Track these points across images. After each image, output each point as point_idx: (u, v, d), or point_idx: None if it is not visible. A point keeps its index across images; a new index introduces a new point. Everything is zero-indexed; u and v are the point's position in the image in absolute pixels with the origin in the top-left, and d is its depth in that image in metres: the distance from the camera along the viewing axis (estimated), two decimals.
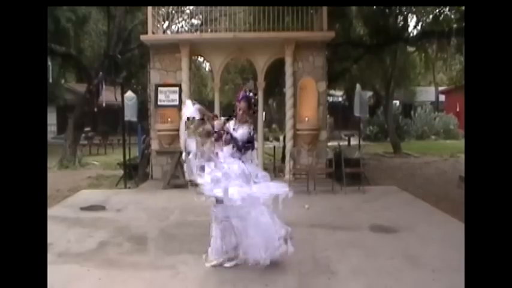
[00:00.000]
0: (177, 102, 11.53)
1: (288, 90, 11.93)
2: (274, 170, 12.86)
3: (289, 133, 11.91)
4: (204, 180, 4.96)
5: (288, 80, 11.86)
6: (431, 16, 17.68)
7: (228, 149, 5.18)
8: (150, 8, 12.22)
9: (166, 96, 11.75)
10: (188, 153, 5.16)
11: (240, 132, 5.19)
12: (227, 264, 5.12)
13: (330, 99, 25.53)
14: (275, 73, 13.67)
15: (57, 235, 6.51)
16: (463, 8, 12.97)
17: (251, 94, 5.37)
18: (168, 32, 15.20)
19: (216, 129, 5.16)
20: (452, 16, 16.29)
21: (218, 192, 4.84)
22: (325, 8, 11.91)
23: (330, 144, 13.46)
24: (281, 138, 16.35)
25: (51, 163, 15.01)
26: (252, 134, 5.31)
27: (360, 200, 9.11)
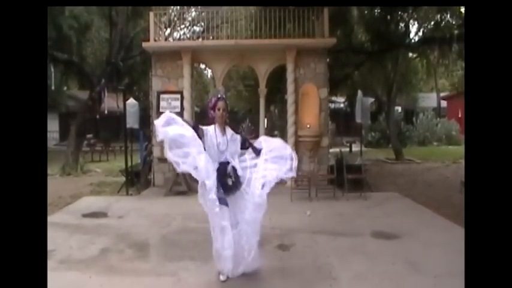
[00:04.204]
0: (179, 109, 11.56)
1: (290, 97, 11.94)
2: None
3: (290, 140, 11.89)
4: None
5: (290, 87, 11.89)
6: (432, 22, 17.76)
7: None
8: (152, 15, 12.28)
9: (168, 103, 11.79)
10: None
11: (230, 134, 5.13)
12: (221, 278, 5.03)
13: (332, 105, 25.57)
14: (277, 80, 13.72)
15: (59, 242, 6.54)
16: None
17: (223, 96, 5.37)
18: (170, 39, 15.23)
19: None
20: (454, 22, 16.35)
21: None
22: (326, 15, 11.96)
23: (331, 150, 13.46)
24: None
25: (54, 170, 15.07)
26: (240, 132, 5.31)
27: (362, 206, 9.11)
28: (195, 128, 5.02)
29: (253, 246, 5.00)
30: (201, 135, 4.99)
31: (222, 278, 5.00)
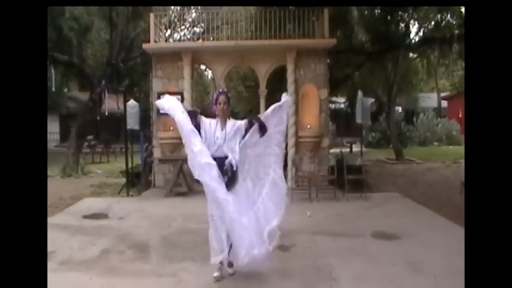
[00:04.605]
0: None
1: (290, 98, 11.91)
2: None
3: (291, 140, 11.89)
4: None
5: (290, 88, 11.87)
6: (433, 22, 17.77)
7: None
8: (152, 16, 12.28)
9: None
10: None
11: (231, 127, 5.07)
12: (229, 271, 5.08)
13: (332, 106, 25.58)
14: (277, 80, 13.71)
15: (59, 243, 6.55)
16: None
17: (225, 90, 5.36)
18: (170, 40, 15.30)
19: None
20: (454, 22, 16.36)
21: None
22: (326, 15, 11.97)
23: (332, 151, 13.46)
24: (283, 145, 16.30)
25: (54, 171, 15.09)
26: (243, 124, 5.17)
27: (362, 207, 9.11)
28: (193, 115, 5.00)
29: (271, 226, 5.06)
30: (198, 121, 4.97)
31: (230, 271, 5.04)
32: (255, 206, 5.05)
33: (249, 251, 4.80)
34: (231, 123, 5.09)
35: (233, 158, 4.97)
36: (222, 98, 5.08)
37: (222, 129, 5.02)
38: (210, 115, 5.18)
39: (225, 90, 5.36)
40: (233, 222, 4.74)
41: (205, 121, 5.04)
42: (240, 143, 5.07)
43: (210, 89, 31.76)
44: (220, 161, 4.90)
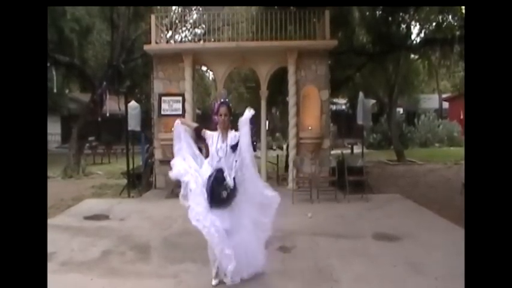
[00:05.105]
0: (180, 112, 11.58)
1: (291, 99, 11.94)
2: (278, 178, 12.86)
3: (292, 142, 11.91)
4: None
5: (291, 89, 11.88)
6: (434, 23, 17.74)
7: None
8: (153, 18, 12.30)
9: (170, 106, 11.81)
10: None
11: (231, 139, 5.00)
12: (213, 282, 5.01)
13: (333, 107, 25.52)
14: (278, 82, 13.71)
15: (60, 244, 6.55)
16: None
17: (227, 100, 5.33)
18: (171, 41, 15.24)
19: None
20: (455, 23, 16.33)
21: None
22: (327, 16, 11.96)
23: (333, 152, 13.44)
24: (284, 146, 16.32)
25: (55, 172, 15.10)
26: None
27: (363, 208, 9.10)
28: (198, 130, 5.11)
29: (261, 249, 5.10)
30: (204, 136, 5.04)
31: (227, 281, 4.97)
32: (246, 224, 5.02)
33: (236, 273, 4.86)
34: (231, 135, 5.04)
35: (229, 174, 4.92)
36: (223, 109, 5.03)
37: (223, 141, 5.00)
38: (212, 125, 5.20)
39: (227, 100, 5.33)
40: (224, 242, 4.77)
41: (208, 135, 5.06)
42: (236, 158, 4.98)
43: (211, 90, 31.75)
44: (220, 172, 4.90)
